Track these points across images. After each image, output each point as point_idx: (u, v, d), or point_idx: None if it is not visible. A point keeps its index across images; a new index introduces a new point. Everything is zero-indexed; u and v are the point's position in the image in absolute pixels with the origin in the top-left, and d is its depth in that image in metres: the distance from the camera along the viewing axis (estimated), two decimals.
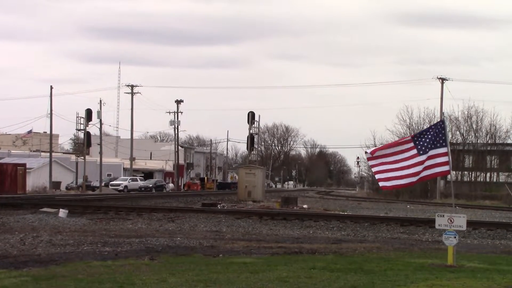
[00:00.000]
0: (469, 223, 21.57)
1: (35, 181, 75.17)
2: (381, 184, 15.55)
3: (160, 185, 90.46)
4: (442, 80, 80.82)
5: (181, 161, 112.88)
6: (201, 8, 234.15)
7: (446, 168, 15.36)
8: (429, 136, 15.36)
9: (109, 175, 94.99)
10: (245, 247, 18.28)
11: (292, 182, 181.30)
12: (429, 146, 15.26)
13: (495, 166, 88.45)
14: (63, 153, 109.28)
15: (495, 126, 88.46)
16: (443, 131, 15.39)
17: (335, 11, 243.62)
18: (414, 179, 15.29)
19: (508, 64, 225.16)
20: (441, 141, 15.31)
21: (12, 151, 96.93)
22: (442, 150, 15.30)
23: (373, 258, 16.06)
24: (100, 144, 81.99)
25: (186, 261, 14.90)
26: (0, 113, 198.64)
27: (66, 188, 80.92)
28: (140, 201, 49.01)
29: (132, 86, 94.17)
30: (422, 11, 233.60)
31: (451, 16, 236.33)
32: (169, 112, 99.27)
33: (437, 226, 15.23)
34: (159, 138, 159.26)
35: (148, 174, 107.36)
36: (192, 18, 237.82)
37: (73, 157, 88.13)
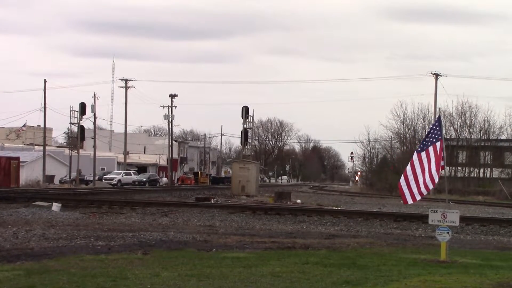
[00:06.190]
0: (462, 219, 21.60)
1: (28, 174, 74.99)
2: (408, 200, 15.64)
3: (154, 179, 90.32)
4: (436, 75, 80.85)
5: (175, 156, 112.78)
6: (195, 2, 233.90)
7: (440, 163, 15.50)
8: (429, 136, 15.68)
9: (102, 169, 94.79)
10: (238, 242, 18.28)
11: (286, 177, 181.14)
12: (427, 144, 15.56)
13: (489, 162, 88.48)
14: (57, 146, 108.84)
15: (489, 122, 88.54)
16: (438, 127, 15.57)
17: (328, 6, 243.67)
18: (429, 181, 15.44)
19: (501, 60, 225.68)
20: (436, 136, 15.46)
21: (6, 145, 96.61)
22: (437, 144, 15.49)
23: (366, 253, 16.08)
24: (94, 138, 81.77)
25: (179, 255, 14.90)
26: None
27: (60, 182, 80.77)
28: (134, 195, 48.96)
29: (126, 80, 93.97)
30: (415, 6, 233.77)
31: (444, 11, 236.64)
32: (163, 107, 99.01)
33: (430, 222, 15.25)
34: (153, 132, 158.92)
35: (141, 168, 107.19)
36: (186, 12, 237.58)
37: (66, 150, 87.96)
